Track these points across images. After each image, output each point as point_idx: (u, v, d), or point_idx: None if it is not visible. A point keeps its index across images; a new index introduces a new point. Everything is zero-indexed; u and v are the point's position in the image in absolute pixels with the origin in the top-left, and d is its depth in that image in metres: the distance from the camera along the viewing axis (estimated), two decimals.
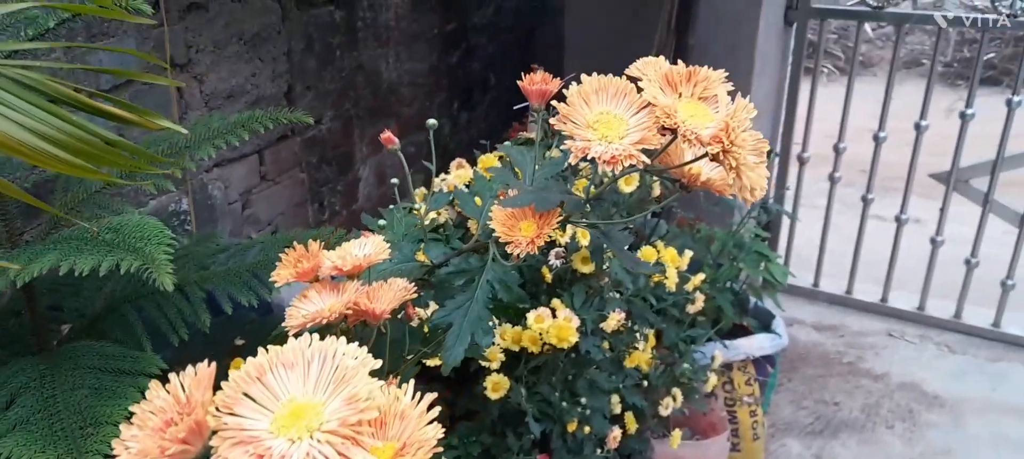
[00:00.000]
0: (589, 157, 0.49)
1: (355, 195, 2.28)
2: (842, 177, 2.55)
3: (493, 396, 1.11)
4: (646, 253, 1.23)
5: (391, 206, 0.86)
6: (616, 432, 1.21)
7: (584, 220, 0.61)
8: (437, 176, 1.03)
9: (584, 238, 1.03)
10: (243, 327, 1.33)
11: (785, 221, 2.54)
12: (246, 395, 0.35)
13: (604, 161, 0.48)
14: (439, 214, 0.97)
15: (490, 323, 0.65)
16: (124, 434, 0.36)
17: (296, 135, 2.01)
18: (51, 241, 0.88)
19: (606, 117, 0.51)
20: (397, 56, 2.28)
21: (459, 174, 1.19)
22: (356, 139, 2.22)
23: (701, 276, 1.37)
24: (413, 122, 2.42)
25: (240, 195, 1.88)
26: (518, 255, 0.54)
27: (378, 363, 0.37)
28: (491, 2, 2.57)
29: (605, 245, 0.59)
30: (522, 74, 0.64)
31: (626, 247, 0.62)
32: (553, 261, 1.10)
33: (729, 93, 0.53)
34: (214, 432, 0.35)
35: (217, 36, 1.71)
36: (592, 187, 0.61)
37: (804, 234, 2.72)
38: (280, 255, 1.26)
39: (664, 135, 0.52)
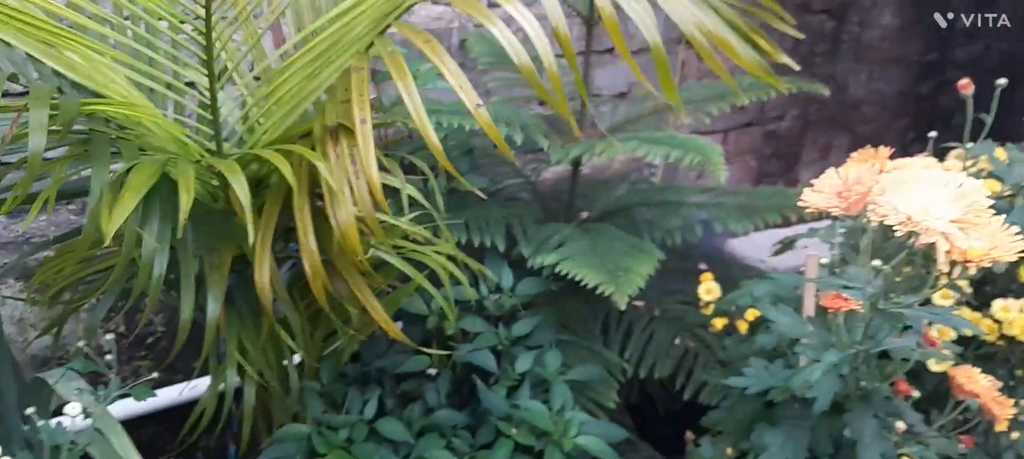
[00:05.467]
0: None
1: None
2: None
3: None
4: None
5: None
6: None
7: None
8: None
9: None
10: (706, 256, 1.56)
11: None
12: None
13: None
14: None
15: None
16: (805, 192, 0.59)
17: (759, 125, 2.21)
18: (630, 135, 1.19)
19: None
20: (870, 74, 2.35)
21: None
22: (808, 143, 2.35)
23: None
24: (865, 140, 2.47)
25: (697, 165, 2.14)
26: None
27: (994, 187, 0.53)
28: (981, 39, 2.49)
29: None
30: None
31: None
32: None
33: None
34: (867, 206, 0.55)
35: None
36: None
37: None
38: (764, 201, 1.45)
39: None
